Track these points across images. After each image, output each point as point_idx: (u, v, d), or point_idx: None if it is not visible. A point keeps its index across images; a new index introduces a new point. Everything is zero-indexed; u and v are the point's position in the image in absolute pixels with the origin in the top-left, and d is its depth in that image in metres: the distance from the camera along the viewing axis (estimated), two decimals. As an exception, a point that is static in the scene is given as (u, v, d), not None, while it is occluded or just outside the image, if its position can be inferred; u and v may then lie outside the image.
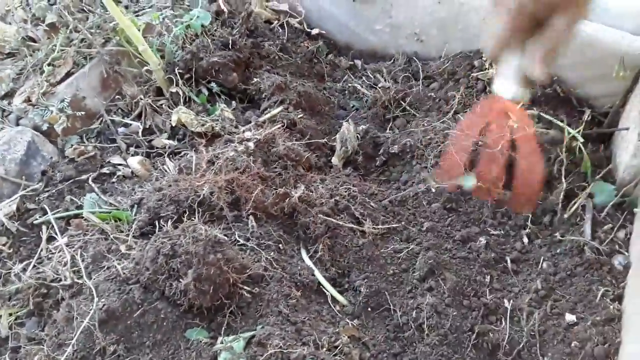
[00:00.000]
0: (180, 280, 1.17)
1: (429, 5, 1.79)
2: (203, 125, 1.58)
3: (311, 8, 2.02)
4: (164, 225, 1.33)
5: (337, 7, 1.97)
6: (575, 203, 1.41)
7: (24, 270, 1.35)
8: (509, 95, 1.08)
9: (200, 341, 1.16)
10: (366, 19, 1.94)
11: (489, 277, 1.31)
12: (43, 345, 1.18)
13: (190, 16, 1.80)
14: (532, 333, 1.21)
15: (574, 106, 1.60)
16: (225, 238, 1.24)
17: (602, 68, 1.51)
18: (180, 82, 1.70)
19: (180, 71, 1.73)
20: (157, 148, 1.66)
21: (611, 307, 1.20)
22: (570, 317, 1.22)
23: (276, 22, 2.00)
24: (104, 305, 1.18)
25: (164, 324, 1.18)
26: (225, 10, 1.84)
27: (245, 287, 1.22)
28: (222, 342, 1.14)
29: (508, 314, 1.24)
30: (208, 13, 1.82)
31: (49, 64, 1.73)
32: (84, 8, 1.87)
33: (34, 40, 1.88)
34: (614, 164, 1.48)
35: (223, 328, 1.18)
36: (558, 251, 1.34)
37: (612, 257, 1.30)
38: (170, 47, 1.75)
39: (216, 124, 1.58)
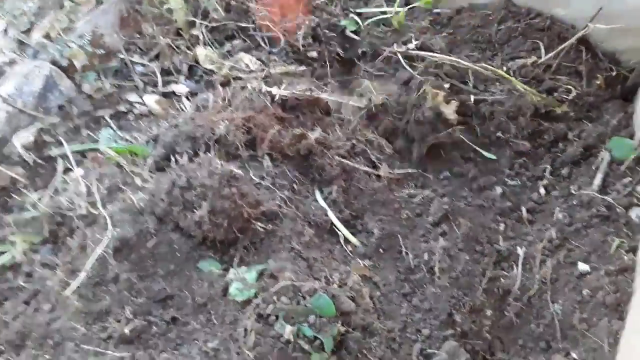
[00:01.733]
0: (195, 212, 1.18)
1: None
2: (221, 66, 1.56)
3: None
4: (179, 160, 1.32)
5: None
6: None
7: (40, 199, 1.36)
8: None
9: (213, 272, 1.17)
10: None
11: (503, 225, 1.31)
12: (56, 271, 1.20)
13: None
14: (544, 280, 1.21)
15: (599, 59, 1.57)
16: (241, 173, 1.24)
17: (631, 21, 1.47)
18: (202, 25, 1.67)
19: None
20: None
21: (625, 258, 1.19)
22: (583, 267, 1.21)
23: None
24: (118, 234, 1.19)
25: (177, 254, 1.19)
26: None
27: (259, 223, 1.22)
28: (234, 274, 1.14)
29: (520, 261, 1.24)
30: None
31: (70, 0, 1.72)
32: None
33: (54, -23, 1.86)
34: (637, 119, 1.45)
35: (235, 261, 1.19)
36: (574, 202, 1.33)
37: (629, 210, 1.28)
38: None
39: (236, 65, 1.56)
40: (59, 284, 1.17)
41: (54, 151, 1.47)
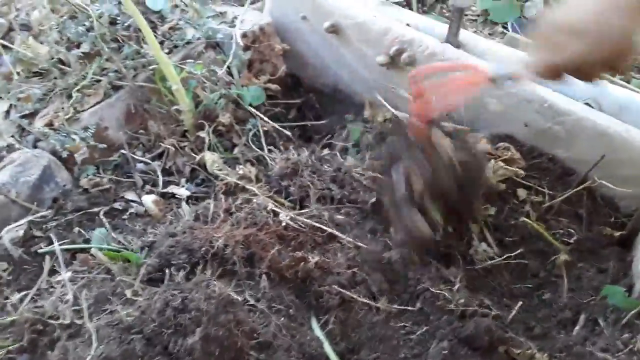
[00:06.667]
0: (187, 338, 1.12)
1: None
2: (227, 174, 1.54)
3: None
4: (174, 274, 1.28)
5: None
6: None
7: (21, 301, 1.29)
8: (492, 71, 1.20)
9: (199, 408, 1.10)
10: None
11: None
12: (32, 388, 1.12)
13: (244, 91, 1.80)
14: None
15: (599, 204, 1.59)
16: (239, 298, 1.19)
17: (633, 169, 1.50)
18: (210, 129, 1.67)
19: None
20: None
21: (630, 423, 1.15)
22: None
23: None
24: (102, 353, 1.12)
25: (163, 382, 1.12)
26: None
27: (253, 353, 1.17)
28: (222, 412, 1.07)
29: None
30: (263, 93, 1.83)
31: (78, 90, 1.70)
32: (118, 37, 1.86)
33: (64, 64, 1.86)
34: (636, 270, 1.45)
35: (224, 396, 1.12)
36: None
37: (631, 369, 1.26)
38: (211, 97, 1.73)
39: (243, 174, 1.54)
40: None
41: (43, 248, 1.41)
